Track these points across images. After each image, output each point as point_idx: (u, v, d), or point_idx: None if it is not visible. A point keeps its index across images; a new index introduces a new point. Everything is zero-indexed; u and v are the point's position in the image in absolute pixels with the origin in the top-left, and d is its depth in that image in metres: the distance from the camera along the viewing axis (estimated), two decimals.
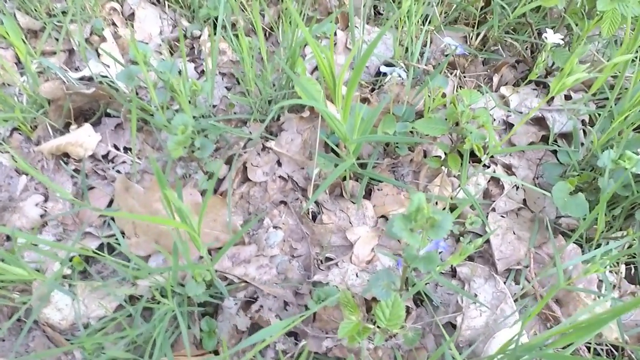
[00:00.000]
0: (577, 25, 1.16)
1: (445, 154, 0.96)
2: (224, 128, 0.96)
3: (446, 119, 0.90)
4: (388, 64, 1.11)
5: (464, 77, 1.25)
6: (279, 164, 1.01)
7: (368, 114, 0.87)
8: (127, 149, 1.01)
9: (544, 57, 0.95)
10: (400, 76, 0.86)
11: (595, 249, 0.90)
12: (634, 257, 0.94)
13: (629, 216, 0.96)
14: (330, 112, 0.78)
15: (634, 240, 0.91)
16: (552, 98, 1.19)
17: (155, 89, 0.93)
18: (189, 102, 0.96)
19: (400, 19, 1.07)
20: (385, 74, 0.93)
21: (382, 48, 1.19)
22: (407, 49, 1.10)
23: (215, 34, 1.01)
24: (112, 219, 0.92)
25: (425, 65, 1.05)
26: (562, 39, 1.00)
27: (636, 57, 0.99)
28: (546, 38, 0.92)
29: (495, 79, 1.27)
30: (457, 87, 1.20)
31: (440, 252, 0.66)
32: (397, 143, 0.98)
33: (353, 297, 0.67)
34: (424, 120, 0.89)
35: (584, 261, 0.87)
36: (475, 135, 0.82)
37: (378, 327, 0.65)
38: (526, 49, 1.32)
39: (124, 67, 0.85)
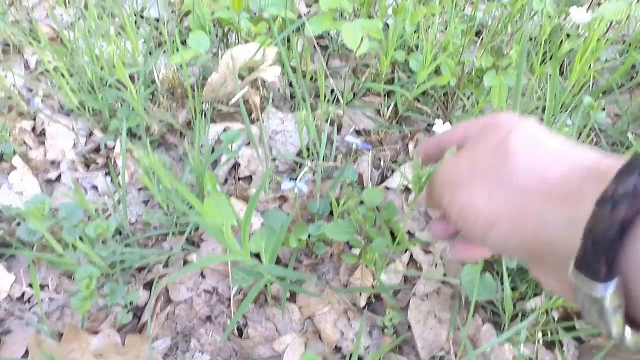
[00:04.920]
0: (472, 94, 1.24)
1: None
2: (140, 253, 0.96)
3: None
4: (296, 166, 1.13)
5: (382, 149, 1.30)
6: (203, 276, 1.02)
7: (279, 225, 0.89)
8: (43, 287, 0.99)
9: None
10: (301, 190, 0.89)
11: (511, 321, 0.94)
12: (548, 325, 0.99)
13: None
14: (231, 241, 0.79)
15: (546, 311, 0.96)
16: None
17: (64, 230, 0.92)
18: (102, 241, 0.95)
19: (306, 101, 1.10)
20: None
21: (295, 147, 1.22)
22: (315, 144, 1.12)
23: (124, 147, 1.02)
24: None
25: (334, 160, 1.08)
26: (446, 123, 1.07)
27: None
28: (435, 132, 0.97)
29: (411, 146, 1.32)
30: (373, 162, 1.24)
31: None
32: (314, 243, 1.00)
33: None
34: (332, 225, 0.91)
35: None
36: (378, 243, 0.85)
37: None
38: (437, 109, 1.40)
39: (24, 221, 0.84)
